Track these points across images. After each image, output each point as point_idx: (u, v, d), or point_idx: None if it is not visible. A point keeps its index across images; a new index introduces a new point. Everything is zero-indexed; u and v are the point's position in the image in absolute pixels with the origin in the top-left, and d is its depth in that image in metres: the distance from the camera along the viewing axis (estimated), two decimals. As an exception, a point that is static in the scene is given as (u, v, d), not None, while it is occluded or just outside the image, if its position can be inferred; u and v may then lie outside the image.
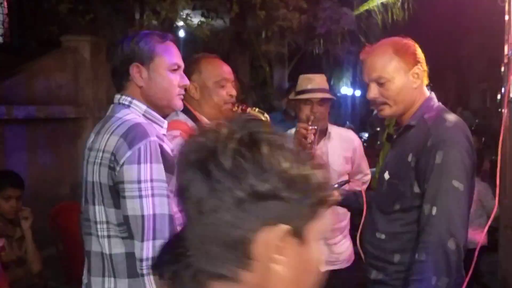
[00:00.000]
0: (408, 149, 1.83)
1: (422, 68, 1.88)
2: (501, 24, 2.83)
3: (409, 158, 1.81)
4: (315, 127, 2.60)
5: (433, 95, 1.93)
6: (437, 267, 1.67)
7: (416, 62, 1.87)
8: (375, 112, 15.66)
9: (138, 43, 1.72)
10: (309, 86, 2.73)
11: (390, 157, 1.98)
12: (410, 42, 1.90)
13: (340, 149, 2.80)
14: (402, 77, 1.85)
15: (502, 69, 3.18)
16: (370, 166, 3.21)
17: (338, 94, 17.34)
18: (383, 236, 1.89)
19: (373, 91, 1.87)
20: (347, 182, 2.38)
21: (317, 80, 2.77)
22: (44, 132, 5.48)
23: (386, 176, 1.92)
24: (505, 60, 2.77)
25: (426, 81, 1.91)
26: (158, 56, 1.72)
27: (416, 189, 1.79)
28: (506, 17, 2.73)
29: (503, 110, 2.55)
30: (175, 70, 1.76)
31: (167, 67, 1.74)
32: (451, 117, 1.83)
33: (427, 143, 1.76)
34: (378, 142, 10.26)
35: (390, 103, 1.87)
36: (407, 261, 1.80)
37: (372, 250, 1.94)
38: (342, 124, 11.65)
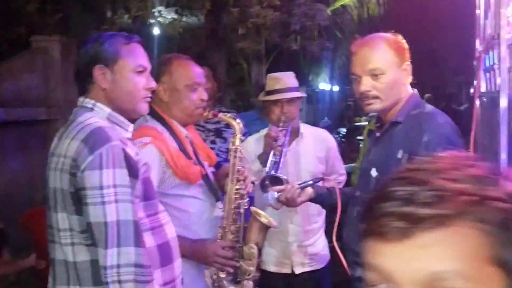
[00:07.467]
0: (397, 146, 1.81)
1: (409, 65, 1.87)
2: (473, 18, 2.83)
3: (399, 155, 1.78)
4: (286, 128, 2.56)
5: (416, 91, 1.93)
6: None
7: (407, 58, 1.87)
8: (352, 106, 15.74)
9: (102, 45, 1.70)
10: (277, 86, 2.66)
11: (375, 154, 1.94)
12: (400, 37, 1.88)
13: (313, 149, 2.76)
14: (395, 71, 1.84)
15: (475, 63, 3.18)
16: (350, 162, 3.17)
17: (317, 90, 17.41)
18: None
19: (366, 84, 1.83)
20: (322, 179, 2.36)
21: (284, 80, 2.70)
22: (14, 135, 5.37)
23: (373, 173, 1.88)
24: (476, 54, 2.76)
25: (410, 78, 1.91)
26: (122, 58, 1.70)
27: None
28: (477, 11, 2.72)
29: (474, 104, 2.55)
30: (140, 72, 1.73)
31: (131, 69, 1.71)
32: (440, 113, 1.84)
33: (422, 139, 1.74)
34: (342, 138, 10.16)
35: (382, 97, 1.84)
36: None
37: (356, 248, 1.90)
38: (319, 120, 11.67)
